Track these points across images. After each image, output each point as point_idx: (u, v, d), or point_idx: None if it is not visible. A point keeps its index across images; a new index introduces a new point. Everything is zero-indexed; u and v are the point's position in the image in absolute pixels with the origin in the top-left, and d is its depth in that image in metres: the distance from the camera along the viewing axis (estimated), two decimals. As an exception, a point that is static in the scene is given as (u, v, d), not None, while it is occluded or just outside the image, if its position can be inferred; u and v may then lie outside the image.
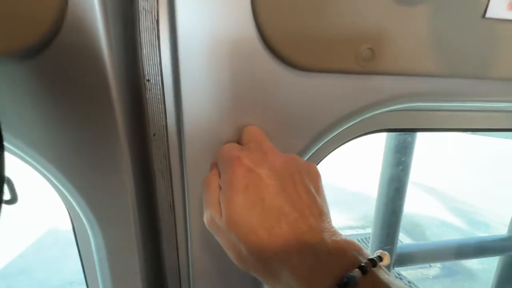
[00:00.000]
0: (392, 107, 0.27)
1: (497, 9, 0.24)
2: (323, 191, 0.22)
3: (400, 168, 0.56)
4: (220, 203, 0.20)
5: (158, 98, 0.26)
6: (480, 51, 0.25)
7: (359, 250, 0.18)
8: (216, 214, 0.20)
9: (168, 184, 0.29)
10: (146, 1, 0.23)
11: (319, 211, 0.20)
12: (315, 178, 0.22)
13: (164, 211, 0.30)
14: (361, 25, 0.23)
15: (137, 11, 0.23)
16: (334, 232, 0.19)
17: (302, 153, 0.28)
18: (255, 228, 0.18)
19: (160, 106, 0.26)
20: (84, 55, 0.20)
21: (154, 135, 0.27)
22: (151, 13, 0.23)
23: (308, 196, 0.20)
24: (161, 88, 0.26)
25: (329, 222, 0.20)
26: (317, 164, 0.33)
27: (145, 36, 0.24)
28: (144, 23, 0.23)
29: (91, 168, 0.24)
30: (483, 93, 0.28)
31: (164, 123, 0.27)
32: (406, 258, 0.63)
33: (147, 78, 0.25)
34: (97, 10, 0.19)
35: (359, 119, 0.28)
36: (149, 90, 0.26)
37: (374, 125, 0.32)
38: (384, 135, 0.58)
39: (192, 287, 0.31)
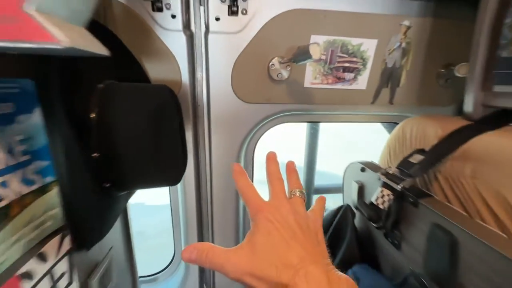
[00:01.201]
0: (281, 114, 0.75)
1: (312, 81, 0.74)
2: (322, 233, 0.31)
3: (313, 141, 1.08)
4: None
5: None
6: (305, 95, 0.74)
7: (353, 285, 0.25)
8: None
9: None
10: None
11: (321, 251, 0.28)
12: (317, 225, 0.32)
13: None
14: (268, 86, 0.70)
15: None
16: (333, 268, 0.26)
17: (246, 136, 0.74)
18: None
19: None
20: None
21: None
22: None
23: (312, 238, 0.28)
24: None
25: (328, 258, 0.28)
26: (255, 145, 0.80)
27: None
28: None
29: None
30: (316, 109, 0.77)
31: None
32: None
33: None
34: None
35: (271, 119, 0.75)
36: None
37: (279, 121, 0.80)
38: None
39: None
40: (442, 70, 0.73)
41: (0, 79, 0.29)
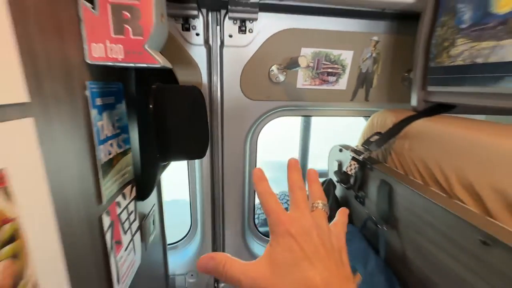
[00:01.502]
0: (279, 109, 0.95)
1: (303, 83, 0.94)
2: (346, 252, 0.29)
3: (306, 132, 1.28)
4: None
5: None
6: (297, 94, 0.94)
7: None
8: None
9: None
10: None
11: (346, 272, 0.27)
12: (341, 243, 0.30)
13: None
14: (271, 88, 0.90)
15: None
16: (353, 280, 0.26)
17: (251, 126, 0.94)
18: None
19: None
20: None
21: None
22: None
23: (336, 258, 0.27)
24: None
25: (353, 282, 0.27)
26: (258, 134, 1.00)
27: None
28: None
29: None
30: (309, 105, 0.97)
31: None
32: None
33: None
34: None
35: (271, 113, 0.95)
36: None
37: (278, 115, 1.00)
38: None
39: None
40: (406, 74, 0.93)
41: (109, 83, 0.49)
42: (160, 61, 0.42)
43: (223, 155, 0.98)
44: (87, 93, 0.41)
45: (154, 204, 0.77)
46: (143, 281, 0.69)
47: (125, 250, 0.56)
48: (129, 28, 0.40)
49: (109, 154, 0.49)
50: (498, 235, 0.36)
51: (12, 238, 0.27)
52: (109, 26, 0.39)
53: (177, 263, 1.12)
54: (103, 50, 0.40)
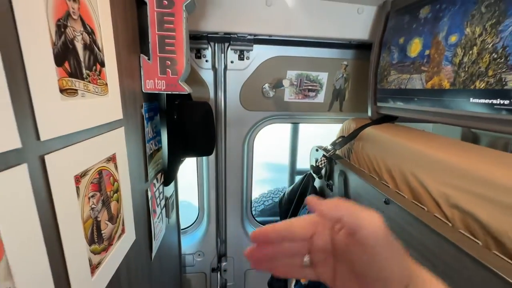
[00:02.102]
0: (270, 118, 1.20)
1: (289, 97, 1.18)
2: None
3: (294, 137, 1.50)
4: None
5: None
6: (285, 106, 1.18)
7: None
8: None
9: None
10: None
11: None
12: None
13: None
14: (264, 102, 1.15)
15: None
16: None
17: (249, 131, 1.18)
18: None
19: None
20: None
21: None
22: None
23: None
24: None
25: None
26: (254, 138, 1.24)
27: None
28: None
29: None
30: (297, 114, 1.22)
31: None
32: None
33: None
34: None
35: (265, 121, 1.19)
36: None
37: (270, 122, 1.24)
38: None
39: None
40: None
41: (151, 103, 0.74)
42: (187, 90, 0.67)
43: (226, 154, 1.22)
44: (143, 111, 0.65)
45: (173, 191, 1.01)
46: (164, 257, 0.92)
47: (158, 218, 0.79)
48: (169, 70, 0.65)
49: (150, 150, 0.73)
50: (393, 197, 0.60)
51: (117, 190, 0.51)
52: (157, 69, 0.64)
53: (187, 244, 1.35)
54: (153, 84, 0.65)
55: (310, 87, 1.15)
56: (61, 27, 0.34)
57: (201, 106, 0.91)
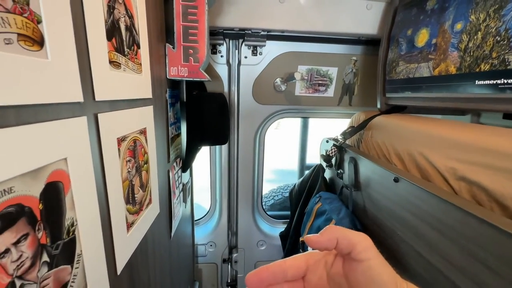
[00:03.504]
0: (282, 112, 1.24)
1: (300, 91, 1.22)
2: None
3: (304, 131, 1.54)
4: None
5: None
6: (296, 100, 1.23)
7: None
8: None
9: None
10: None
11: None
12: None
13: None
14: (275, 95, 1.20)
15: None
16: None
17: (260, 124, 1.22)
18: None
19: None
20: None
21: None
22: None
23: None
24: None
25: None
26: (266, 131, 1.29)
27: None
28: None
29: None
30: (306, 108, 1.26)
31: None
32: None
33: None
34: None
35: (276, 115, 1.24)
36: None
37: (281, 116, 1.28)
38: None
39: None
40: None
41: (173, 90, 0.79)
42: (207, 77, 0.72)
43: (238, 147, 1.27)
44: (167, 95, 0.71)
45: (189, 179, 1.06)
46: (180, 244, 0.96)
47: (177, 199, 0.84)
48: (192, 58, 0.70)
49: (172, 134, 0.79)
50: (402, 175, 0.63)
51: (147, 161, 0.56)
52: (180, 57, 0.70)
53: (199, 235, 1.39)
54: (177, 71, 0.70)
55: (320, 82, 1.19)
56: (110, 8, 0.40)
57: (217, 97, 0.96)
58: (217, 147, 1.31)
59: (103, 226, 0.38)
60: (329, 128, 1.18)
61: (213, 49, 1.11)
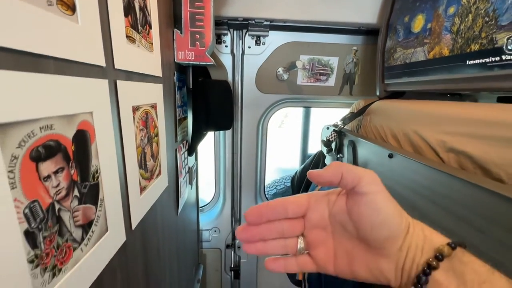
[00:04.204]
0: (284, 101, 1.28)
1: (301, 80, 1.26)
2: None
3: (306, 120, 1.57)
4: None
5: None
6: (297, 89, 1.27)
7: None
8: None
9: None
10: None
11: None
12: None
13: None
14: (280, 84, 1.24)
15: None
16: None
17: (263, 113, 1.27)
18: None
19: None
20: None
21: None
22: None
23: None
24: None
25: None
26: (268, 120, 1.33)
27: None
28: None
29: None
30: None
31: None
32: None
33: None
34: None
35: (278, 104, 1.27)
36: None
37: (283, 106, 1.32)
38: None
39: None
40: (380, 74, 1.24)
41: (180, 75, 0.84)
42: (212, 61, 0.77)
43: (242, 135, 1.31)
44: (175, 78, 0.76)
45: (194, 163, 1.10)
46: (186, 231, 1.01)
47: (183, 178, 0.89)
48: (198, 43, 0.75)
49: (179, 116, 0.83)
50: (395, 151, 0.67)
51: (157, 134, 0.60)
52: (188, 42, 0.74)
53: (204, 221, 1.44)
54: (184, 55, 0.75)
55: (321, 71, 1.23)
56: (127, -13, 0.44)
57: (221, 83, 1.01)
58: (221, 135, 1.35)
59: (120, 181, 0.42)
60: (329, 120, 1.22)
61: (218, 39, 1.15)
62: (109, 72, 0.39)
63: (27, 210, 0.24)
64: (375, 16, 1.06)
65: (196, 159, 1.20)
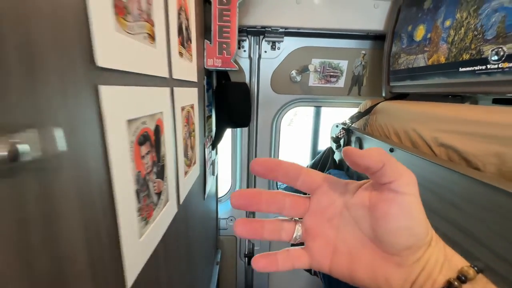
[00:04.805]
0: (297, 101, 1.39)
1: (313, 82, 1.37)
2: None
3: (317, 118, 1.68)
4: None
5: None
6: (309, 90, 1.37)
7: None
8: None
9: None
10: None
11: None
12: None
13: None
14: (291, 87, 1.35)
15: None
16: None
17: (277, 112, 1.38)
18: None
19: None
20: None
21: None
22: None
23: None
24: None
25: None
26: (282, 118, 1.44)
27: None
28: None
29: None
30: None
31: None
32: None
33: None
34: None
35: (291, 104, 1.39)
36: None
37: (296, 105, 1.43)
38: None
39: None
40: (387, 76, 1.33)
41: (207, 79, 0.96)
42: (236, 67, 0.89)
43: (257, 132, 1.43)
44: (204, 82, 0.88)
45: (216, 157, 1.23)
46: (208, 218, 1.14)
47: (209, 169, 1.02)
48: (225, 52, 0.87)
49: (206, 114, 0.96)
50: (396, 146, 0.77)
51: (194, 129, 0.73)
52: (216, 51, 0.86)
53: (222, 210, 1.58)
54: (213, 62, 0.87)
55: (332, 73, 1.33)
56: (178, 14, 0.57)
57: (241, 86, 1.13)
58: (238, 132, 1.47)
59: (174, 165, 0.55)
60: (339, 119, 1.32)
61: (238, 45, 1.27)
62: (169, 82, 0.52)
63: (136, 177, 0.37)
64: (382, 23, 1.16)
65: (216, 153, 1.32)
